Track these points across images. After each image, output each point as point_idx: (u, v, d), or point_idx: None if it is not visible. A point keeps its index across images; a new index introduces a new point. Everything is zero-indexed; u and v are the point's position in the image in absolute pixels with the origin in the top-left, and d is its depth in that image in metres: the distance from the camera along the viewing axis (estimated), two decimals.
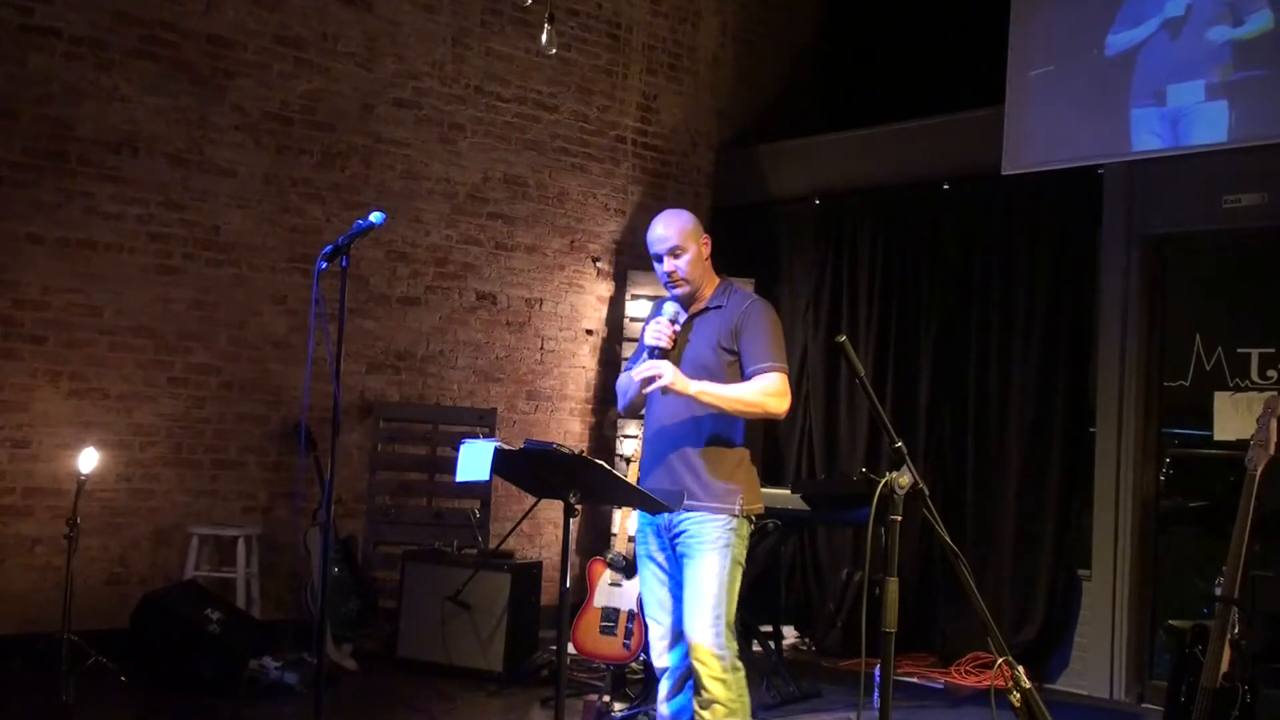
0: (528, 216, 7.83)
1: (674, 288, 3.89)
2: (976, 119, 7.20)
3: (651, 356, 3.74)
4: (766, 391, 3.71)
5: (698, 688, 3.70)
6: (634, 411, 4.04)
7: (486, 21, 7.61)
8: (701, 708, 3.69)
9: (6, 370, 5.95)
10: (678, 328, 3.82)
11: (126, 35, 6.24)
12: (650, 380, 3.66)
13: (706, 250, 3.93)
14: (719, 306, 3.88)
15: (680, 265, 3.85)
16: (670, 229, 3.87)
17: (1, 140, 5.90)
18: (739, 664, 3.73)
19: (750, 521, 3.83)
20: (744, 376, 3.76)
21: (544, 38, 6.06)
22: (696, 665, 3.69)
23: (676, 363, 3.75)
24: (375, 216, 3.80)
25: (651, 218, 3.99)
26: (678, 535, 3.79)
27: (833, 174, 8.13)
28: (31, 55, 5.96)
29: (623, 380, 4.01)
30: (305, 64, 6.85)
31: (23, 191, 5.97)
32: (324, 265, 3.77)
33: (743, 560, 3.80)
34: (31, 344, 6.01)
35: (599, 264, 8.19)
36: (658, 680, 3.93)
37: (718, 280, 3.96)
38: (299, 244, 6.81)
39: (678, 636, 3.84)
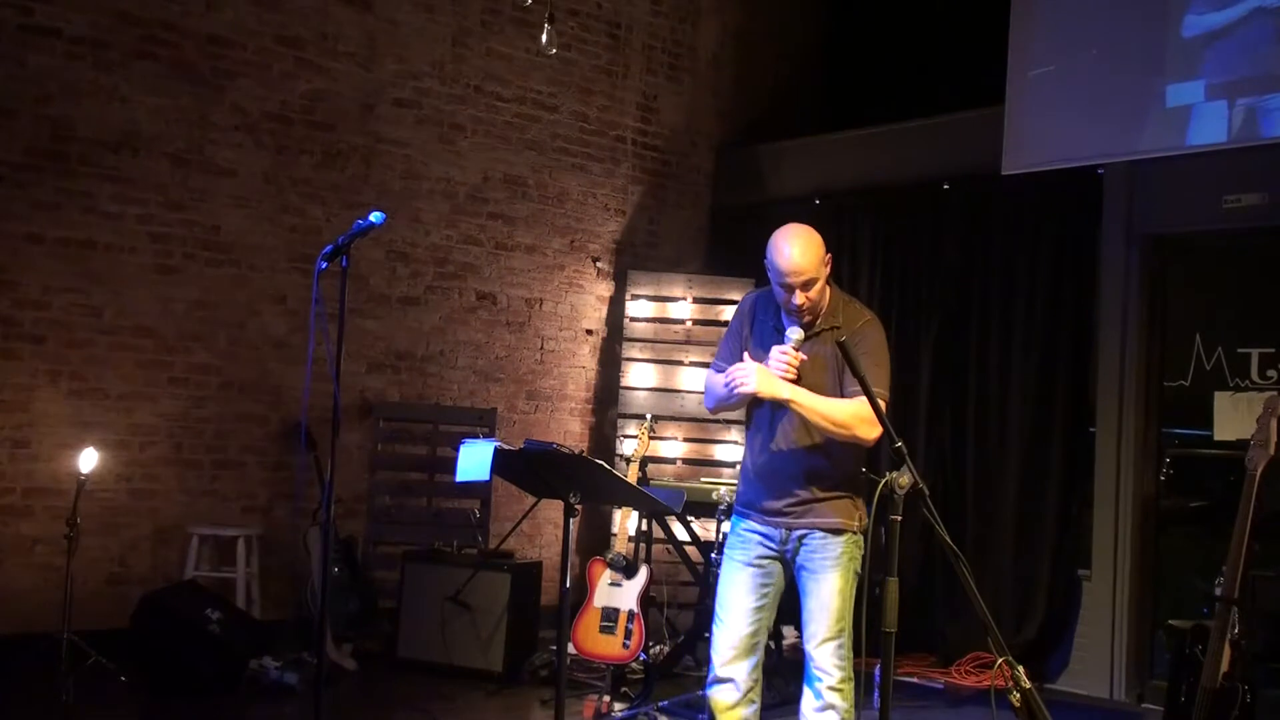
0: (528, 216, 7.83)
1: (801, 316, 3.76)
2: (976, 119, 7.20)
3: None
4: (859, 415, 3.61)
5: (815, 693, 3.72)
6: (722, 410, 3.94)
7: (486, 21, 7.61)
8: (817, 711, 3.72)
9: (6, 370, 5.94)
10: (804, 356, 3.72)
11: (126, 35, 6.24)
12: (741, 384, 3.62)
13: (829, 269, 3.77)
14: (835, 327, 3.75)
15: (813, 296, 3.72)
16: (807, 259, 3.67)
17: (1, 140, 5.90)
18: (852, 673, 3.75)
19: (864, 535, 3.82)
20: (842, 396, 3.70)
21: (544, 38, 6.05)
22: (816, 673, 3.72)
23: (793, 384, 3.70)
24: (375, 216, 3.79)
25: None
26: (797, 549, 3.77)
27: (833, 174, 8.13)
28: (31, 55, 5.96)
29: (715, 379, 3.87)
30: (305, 64, 6.85)
31: (23, 191, 5.96)
32: (324, 265, 3.77)
33: (860, 570, 3.79)
34: (31, 344, 6.01)
35: (599, 264, 8.19)
36: (710, 684, 3.83)
37: (830, 291, 3.82)
38: (299, 244, 6.81)
39: (749, 649, 3.78)
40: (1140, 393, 6.56)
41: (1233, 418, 6.10)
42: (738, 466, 7.81)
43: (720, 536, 5.61)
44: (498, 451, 3.55)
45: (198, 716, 5.34)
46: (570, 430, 8.07)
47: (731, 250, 8.52)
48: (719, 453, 7.84)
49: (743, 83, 8.99)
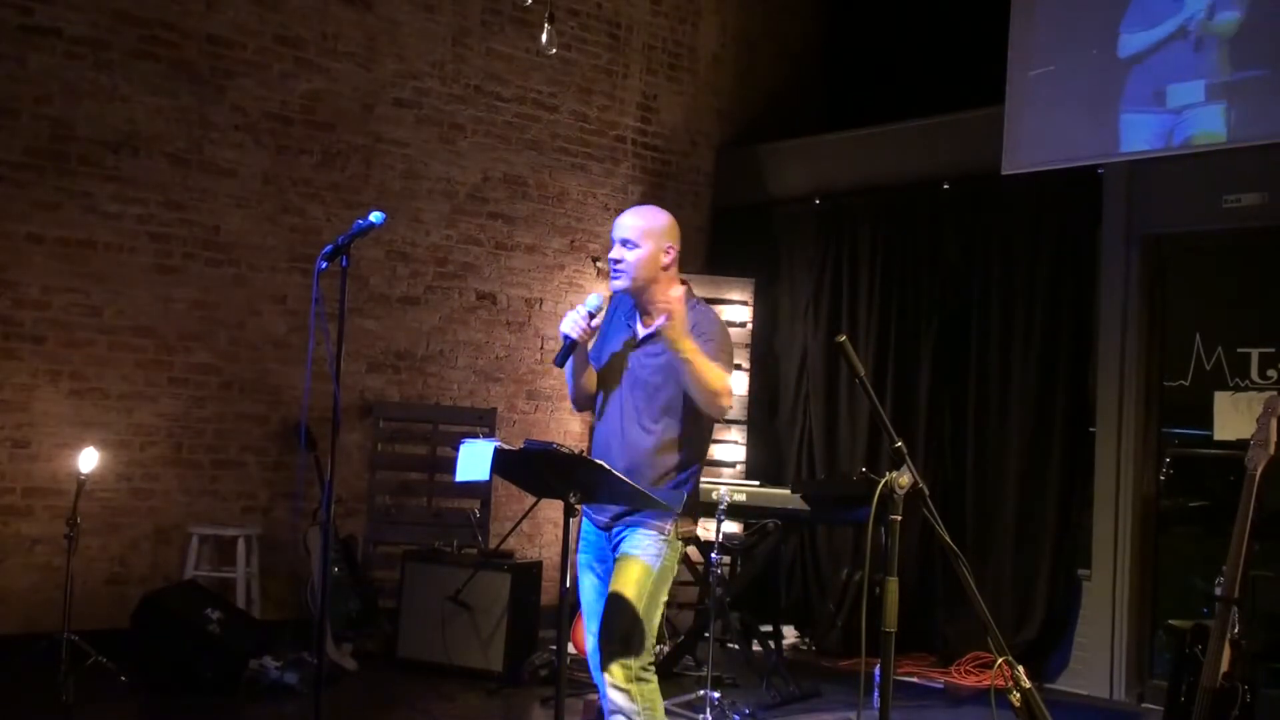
0: (528, 216, 7.83)
1: (614, 277, 3.82)
2: (976, 119, 7.20)
3: (565, 342, 3.71)
4: (728, 386, 3.59)
5: (602, 695, 3.57)
6: (584, 402, 3.87)
7: (486, 21, 7.61)
8: (606, 716, 3.57)
9: (6, 370, 5.95)
10: (596, 322, 3.75)
11: (126, 35, 6.24)
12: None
13: (667, 259, 3.76)
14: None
15: (627, 256, 3.78)
16: (634, 220, 3.80)
17: (1, 140, 5.90)
18: (646, 675, 3.56)
19: (683, 543, 3.70)
20: None
21: (544, 38, 6.06)
22: (602, 671, 3.56)
23: (626, 384, 3.68)
24: (375, 216, 3.80)
25: None
26: (617, 544, 3.68)
27: (833, 174, 8.13)
28: (31, 55, 5.96)
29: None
30: (305, 64, 6.85)
31: (23, 191, 5.97)
32: (324, 265, 3.77)
33: (672, 573, 3.65)
34: (31, 344, 6.01)
35: (599, 264, 8.18)
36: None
37: (672, 286, 3.77)
38: (299, 244, 6.81)
39: None
40: (1140, 393, 6.56)
41: (1233, 418, 6.10)
42: (738, 466, 7.90)
43: (719, 537, 5.61)
44: (498, 451, 3.54)
45: (198, 716, 5.34)
46: (570, 430, 8.06)
47: (731, 250, 8.52)
48: (719, 452, 7.83)
49: (743, 83, 8.99)
